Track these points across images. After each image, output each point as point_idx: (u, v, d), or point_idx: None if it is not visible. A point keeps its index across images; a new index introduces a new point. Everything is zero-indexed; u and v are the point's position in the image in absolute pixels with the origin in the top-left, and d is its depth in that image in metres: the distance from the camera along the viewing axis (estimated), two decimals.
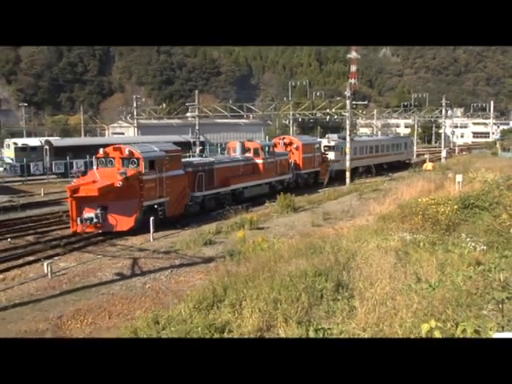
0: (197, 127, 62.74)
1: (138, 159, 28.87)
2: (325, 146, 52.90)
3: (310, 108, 72.15)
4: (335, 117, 68.53)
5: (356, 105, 77.31)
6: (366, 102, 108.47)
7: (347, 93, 51.80)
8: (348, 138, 50.65)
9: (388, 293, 11.67)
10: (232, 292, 13.37)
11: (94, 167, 30.30)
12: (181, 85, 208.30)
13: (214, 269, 18.62)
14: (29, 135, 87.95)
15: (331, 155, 52.67)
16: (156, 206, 29.43)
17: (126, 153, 29.00)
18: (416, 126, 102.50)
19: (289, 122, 76.70)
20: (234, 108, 70.46)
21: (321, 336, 10.14)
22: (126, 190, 27.41)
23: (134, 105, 77.01)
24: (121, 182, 26.82)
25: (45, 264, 20.59)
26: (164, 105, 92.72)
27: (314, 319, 11.22)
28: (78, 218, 27.09)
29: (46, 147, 54.67)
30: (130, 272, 20.65)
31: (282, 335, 10.21)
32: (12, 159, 60.47)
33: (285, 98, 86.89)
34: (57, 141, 58.76)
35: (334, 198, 38.18)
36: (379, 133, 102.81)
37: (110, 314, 15.98)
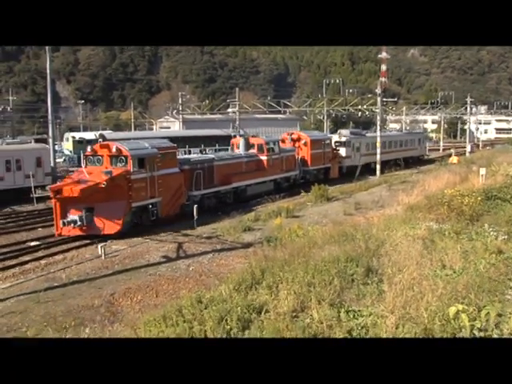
0: (237, 122, 62.95)
1: (126, 157, 25.39)
2: (336, 142, 49.20)
3: (342, 104, 71.45)
4: (366, 113, 67.83)
5: (386, 102, 76.36)
6: (395, 99, 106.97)
7: (378, 90, 51.26)
8: (379, 133, 49.98)
9: (415, 278, 11.58)
10: (269, 275, 13.38)
11: (83, 165, 26.86)
12: (222, 83, 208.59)
13: (253, 253, 18.62)
14: (85, 129, 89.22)
15: (342, 151, 49.10)
16: (151, 207, 26.43)
17: (114, 150, 25.42)
18: (442, 122, 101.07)
19: (323, 118, 76.18)
20: (272, 104, 70.48)
21: (351, 317, 10.12)
22: (113, 190, 24.15)
23: (180, 101, 77.37)
24: (105, 183, 23.58)
25: (99, 246, 20.94)
26: (207, 101, 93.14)
27: (345, 301, 11.19)
28: (61, 221, 23.96)
29: (100, 140, 55.30)
30: (175, 255, 20.85)
31: (316, 316, 10.19)
32: (70, 151, 61.75)
33: (319, 95, 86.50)
34: (109, 134, 59.43)
35: (365, 189, 37.92)
36: (394, 128, 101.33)
37: (157, 292, 16.16)
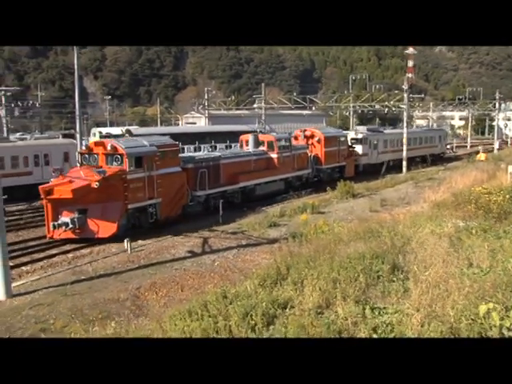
0: (263, 117, 62.94)
1: (121, 155, 23.82)
2: (352, 139, 47.06)
3: (369, 100, 71.00)
4: (393, 109, 67.23)
5: (413, 98, 75.65)
6: (422, 96, 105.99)
7: (405, 86, 50.62)
8: (405, 129, 49.41)
9: (441, 276, 11.47)
10: (294, 271, 13.39)
11: (78, 164, 25.56)
12: (248, 78, 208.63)
13: (278, 249, 18.62)
14: (112, 125, 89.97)
15: (359, 149, 46.82)
16: (150, 209, 25.01)
17: (109, 148, 23.88)
18: (470, 119, 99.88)
19: (349, 114, 75.79)
20: (298, 100, 70.21)
21: (376, 314, 10.09)
22: (108, 191, 22.71)
23: (206, 97, 77.58)
24: (98, 183, 22.07)
25: (125, 241, 21.10)
26: (233, 97, 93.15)
27: (371, 298, 11.15)
28: (51, 223, 22.54)
29: (127, 135, 55.71)
30: (201, 250, 20.96)
31: (341, 313, 10.17)
32: None
33: (345, 91, 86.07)
34: (136, 130, 59.74)
35: (391, 186, 37.67)
36: (420, 124, 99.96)
37: (182, 287, 16.28)
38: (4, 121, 53.03)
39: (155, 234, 23.84)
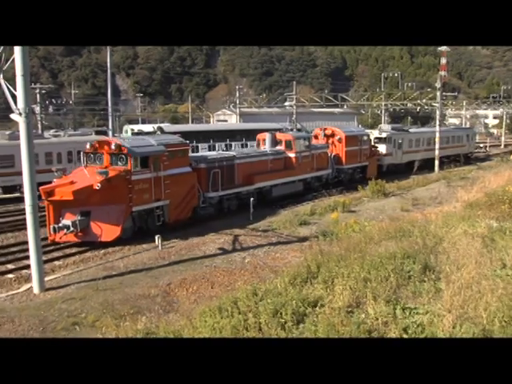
0: (294, 115, 62.86)
1: (126, 155, 22.70)
2: (375, 138, 45.27)
3: (401, 99, 70.37)
4: (425, 107, 66.50)
5: (446, 96, 74.73)
6: (455, 94, 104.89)
7: (437, 84, 49.92)
8: (438, 128, 48.75)
9: (474, 277, 11.36)
10: (325, 269, 13.36)
11: (83, 164, 23.97)
12: (279, 76, 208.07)
13: (309, 247, 18.62)
14: (143, 122, 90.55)
15: (382, 148, 45.06)
16: (157, 211, 23.96)
17: (113, 148, 22.69)
18: (505, 117, 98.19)
19: (381, 112, 75.22)
20: (329, 98, 69.99)
21: (407, 314, 10.02)
22: (111, 192, 21.69)
23: (237, 95, 77.82)
24: (99, 184, 21.12)
25: (156, 237, 21.24)
26: (264, 95, 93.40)
27: (402, 298, 11.08)
28: (51, 226, 21.45)
29: (158, 132, 56.01)
30: (231, 247, 21.02)
31: (371, 312, 10.13)
32: None
33: (377, 89, 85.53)
34: (167, 127, 59.97)
35: (423, 185, 37.29)
36: (453, 123, 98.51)
37: (212, 284, 16.35)
38: (38, 118, 53.81)
39: (185, 232, 23.95)
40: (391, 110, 76.70)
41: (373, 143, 44.34)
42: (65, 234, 21.44)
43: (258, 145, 34.98)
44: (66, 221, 21.40)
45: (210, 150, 45.00)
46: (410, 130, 52.22)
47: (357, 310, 10.64)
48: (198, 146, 47.91)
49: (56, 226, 21.30)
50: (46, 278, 17.14)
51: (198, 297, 15.23)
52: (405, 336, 9.05)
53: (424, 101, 64.22)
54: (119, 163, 22.75)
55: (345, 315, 10.06)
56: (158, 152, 23.75)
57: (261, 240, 21.85)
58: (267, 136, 33.91)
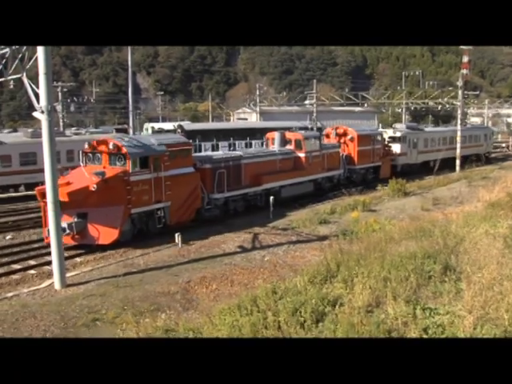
0: (314, 114, 62.73)
1: (124, 155, 21.93)
2: (389, 137, 43.88)
3: (422, 97, 69.83)
4: (447, 106, 65.90)
5: (467, 95, 74.05)
6: (477, 92, 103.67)
7: (459, 83, 49.44)
8: (459, 127, 48.22)
9: (495, 278, 11.27)
10: (344, 269, 13.34)
11: (81, 164, 23.09)
12: (300, 75, 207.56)
13: (328, 246, 18.58)
14: (164, 120, 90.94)
15: (396, 147, 43.69)
16: (159, 213, 23.14)
17: (111, 147, 21.97)
18: None
19: (401, 111, 74.78)
20: (350, 96, 69.75)
21: (427, 315, 9.97)
22: (108, 193, 20.88)
23: (257, 93, 77.89)
24: (95, 185, 20.38)
25: (176, 235, 21.31)
26: (284, 93, 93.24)
27: (422, 299, 11.04)
28: (46, 228, 19.96)
29: (179, 131, 56.28)
30: (251, 245, 21.04)
31: (391, 312, 10.09)
32: None
33: (398, 88, 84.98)
34: (188, 125, 60.30)
35: (444, 185, 36.96)
36: (475, 122, 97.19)
37: (231, 282, 16.38)
38: (60, 116, 54.33)
39: (205, 230, 24.03)
40: (412, 108, 76.22)
41: (387, 142, 43.39)
42: (62, 235, 19.96)
43: (267, 144, 34.22)
44: (62, 223, 19.84)
45: (230, 149, 44.97)
46: (425, 129, 51.01)
47: (376, 309, 10.62)
48: (218, 144, 48.03)
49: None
50: (67, 275, 17.31)
51: (217, 295, 15.27)
52: (425, 336, 9.01)
53: (445, 99, 63.60)
54: (118, 163, 22.07)
55: (364, 315, 10.05)
56: (158, 152, 22.98)
57: (280, 238, 21.85)
58: (276, 135, 32.96)
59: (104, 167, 21.96)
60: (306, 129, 45.01)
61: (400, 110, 78.90)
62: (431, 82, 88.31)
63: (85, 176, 21.10)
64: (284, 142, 32.74)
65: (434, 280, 12.23)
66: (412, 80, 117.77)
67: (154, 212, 22.96)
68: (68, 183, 20.82)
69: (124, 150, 21.89)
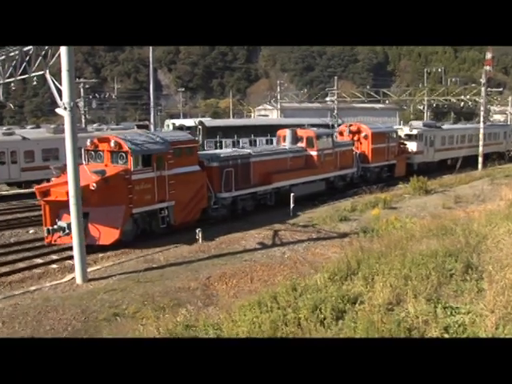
0: (335, 111, 62.54)
1: (126, 153, 21.34)
2: (405, 135, 42.79)
3: (444, 94, 69.37)
4: (469, 103, 65.30)
5: (490, 92, 73.27)
6: (500, 89, 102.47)
7: (482, 80, 48.93)
8: (482, 124, 47.65)
9: None
10: (365, 266, 13.30)
11: (84, 162, 22.33)
12: (321, 71, 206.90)
13: (349, 244, 18.53)
14: (185, 116, 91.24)
15: (412, 145, 42.52)
16: (164, 212, 22.55)
17: (112, 145, 21.39)
18: None
19: (423, 108, 74.26)
20: (371, 93, 69.48)
21: (448, 314, 9.90)
22: (109, 193, 20.26)
23: (278, 90, 77.99)
24: (95, 184, 19.79)
25: (196, 231, 21.37)
26: (305, 90, 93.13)
27: (443, 297, 10.95)
28: (45, 228, 20.13)
29: (200, 127, 56.45)
30: (271, 242, 21.04)
31: (411, 310, 10.04)
32: None
33: (420, 85, 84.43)
34: (209, 121, 60.41)
35: (466, 183, 36.62)
36: (497, 119, 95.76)
37: (251, 278, 16.39)
38: (82, 112, 54.73)
39: (225, 226, 24.07)
40: (434, 105, 75.65)
41: (403, 140, 42.31)
42: (59, 236, 20.08)
43: (278, 141, 33.28)
44: (62, 222, 19.82)
45: (250, 145, 44.95)
46: (442, 127, 49.78)
47: (397, 307, 10.57)
48: (239, 141, 48.07)
49: (50, 228, 19.93)
50: (89, 269, 17.48)
51: (237, 291, 15.29)
52: (446, 335, 8.95)
53: (468, 96, 63.14)
54: (119, 161, 21.44)
55: (385, 313, 10.00)
56: (161, 150, 22.37)
57: (301, 235, 21.82)
58: (287, 132, 32.15)
59: (106, 165, 21.46)
60: (326, 126, 44.33)
61: (422, 108, 78.31)
62: (453, 79, 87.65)
63: (86, 174, 20.18)
64: (295, 139, 31.99)
65: (455, 278, 12.14)
66: (434, 77, 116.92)
67: (157, 212, 22.40)
68: (67, 182, 20.06)
69: (125, 147, 21.32)
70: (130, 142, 21.61)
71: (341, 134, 38.12)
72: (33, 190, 21.91)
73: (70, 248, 18.50)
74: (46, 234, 20.18)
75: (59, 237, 20.08)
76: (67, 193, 18.80)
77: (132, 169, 21.14)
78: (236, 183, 25.99)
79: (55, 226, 19.86)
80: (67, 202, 18.93)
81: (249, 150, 28.80)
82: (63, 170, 21.12)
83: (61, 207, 20.04)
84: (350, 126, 38.67)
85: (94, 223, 20.25)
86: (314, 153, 31.60)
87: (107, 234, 20.19)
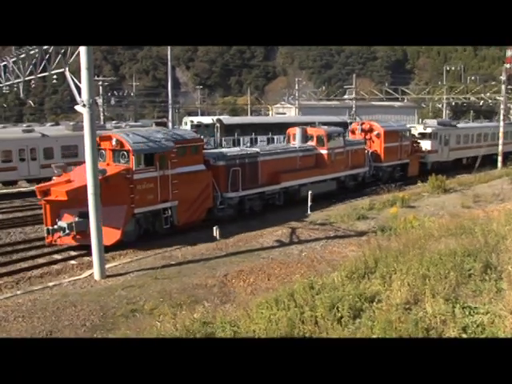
0: (353, 109, 62.33)
1: (127, 152, 20.93)
2: (419, 134, 42.00)
3: (463, 92, 68.80)
4: (489, 101, 64.71)
5: (511, 89, 72.51)
6: None
7: (502, 77, 48.47)
8: (501, 123, 47.14)
9: None
10: (383, 265, 13.23)
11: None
12: (339, 69, 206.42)
13: (366, 242, 18.44)
14: (202, 114, 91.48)
15: (426, 144, 41.64)
16: (167, 212, 22.14)
17: (114, 143, 21.02)
18: None
19: (442, 106, 73.76)
20: (389, 91, 69.11)
21: (467, 314, 9.83)
22: (110, 192, 19.35)
23: (296, 87, 77.82)
24: None
25: (214, 228, 21.42)
26: (323, 87, 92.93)
27: (461, 297, 10.87)
28: (46, 228, 19.97)
29: (217, 125, 56.61)
30: (288, 240, 21.03)
31: (429, 310, 9.98)
32: None
33: (439, 82, 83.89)
34: (226, 119, 60.54)
35: (485, 182, 36.29)
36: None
37: (269, 276, 16.37)
38: (101, 109, 55.11)
39: (242, 223, 24.11)
40: (453, 103, 75.09)
41: (417, 139, 41.56)
42: (59, 237, 19.98)
43: (288, 140, 32.71)
44: (62, 222, 19.81)
45: (268, 143, 44.94)
46: (458, 125, 48.77)
47: (414, 307, 10.51)
48: (256, 138, 48.10)
49: (50, 228, 19.81)
50: (107, 266, 17.60)
51: (254, 288, 15.29)
52: (464, 336, 8.89)
53: (488, 94, 62.53)
54: (121, 160, 21.05)
55: (402, 312, 9.94)
56: (164, 148, 21.85)
57: (318, 233, 21.78)
58: (297, 131, 31.57)
59: (108, 164, 21.13)
60: (344, 124, 43.98)
61: (440, 106, 77.83)
62: (473, 77, 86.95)
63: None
64: (305, 137, 31.43)
65: (473, 278, 12.03)
66: (453, 75, 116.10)
67: (160, 212, 22.03)
68: (68, 181, 20.23)
69: (127, 146, 20.90)
70: (132, 141, 21.18)
71: (353, 132, 37.57)
72: None
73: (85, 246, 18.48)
74: (45, 234, 20.03)
75: (59, 237, 19.93)
76: (67, 192, 19.29)
77: (134, 168, 20.75)
78: (243, 183, 25.53)
79: (55, 226, 19.80)
80: (67, 201, 19.41)
81: (257, 149, 28.30)
82: (64, 168, 21.38)
83: (62, 207, 19.96)
84: (362, 124, 38.07)
85: None
86: (324, 152, 31.01)
87: (108, 235, 19.32)
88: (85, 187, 18.53)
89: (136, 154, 20.81)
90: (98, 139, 20.11)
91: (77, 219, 19.84)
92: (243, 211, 26.10)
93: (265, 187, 27.09)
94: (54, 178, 21.25)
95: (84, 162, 21.06)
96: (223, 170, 24.62)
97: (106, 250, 18.78)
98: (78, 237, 20.03)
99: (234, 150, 27.82)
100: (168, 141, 22.26)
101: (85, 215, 19.26)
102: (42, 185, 20.81)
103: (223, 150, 29.32)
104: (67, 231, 19.63)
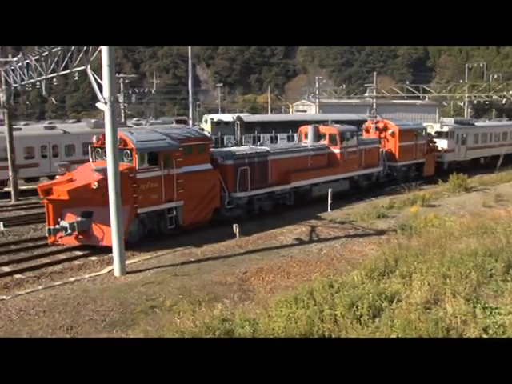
0: (374, 107, 62.01)
1: (131, 151, 20.36)
2: (435, 132, 40.68)
3: (485, 90, 68.05)
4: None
5: None
6: None
7: None
8: None
9: None
10: (403, 264, 13.18)
11: (90, 159, 21.56)
12: (359, 67, 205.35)
13: (386, 241, 18.37)
14: (223, 111, 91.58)
15: (443, 143, 40.26)
16: (172, 212, 21.58)
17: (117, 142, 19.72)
18: None
19: (464, 104, 73.03)
20: (410, 89, 68.66)
21: (488, 314, 9.74)
22: None
23: (316, 85, 77.55)
24: (97, 183, 18.94)
25: (234, 226, 21.42)
26: (343, 85, 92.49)
27: (482, 297, 10.78)
28: (47, 228, 19.68)
29: (238, 122, 56.54)
30: (308, 238, 21.00)
31: (449, 310, 9.91)
32: (209, 132, 63.83)
33: (460, 80, 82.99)
34: (247, 117, 60.41)
35: (507, 181, 35.90)
36: None
37: (288, 274, 16.38)
38: (122, 107, 55.39)
39: (262, 221, 24.09)
40: (475, 102, 74.30)
41: (433, 138, 40.39)
42: (61, 237, 19.62)
43: (300, 138, 32.00)
44: (64, 222, 19.38)
45: (288, 141, 44.79)
46: (475, 124, 47.52)
47: (434, 306, 10.45)
48: (276, 136, 48.00)
49: (52, 228, 19.47)
50: (127, 262, 17.69)
51: (273, 286, 15.30)
52: (485, 336, 8.81)
53: (510, 92, 61.78)
54: (125, 159, 20.33)
55: (422, 311, 9.89)
56: (169, 147, 21.27)
57: (338, 232, 21.72)
58: (309, 129, 30.74)
59: None
60: (364, 122, 43.46)
61: (462, 104, 77.03)
62: (496, 75, 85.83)
63: (90, 172, 19.68)
64: (318, 136, 30.66)
65: (495, 278, 11.94)
66: (475, 72, 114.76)
67: (164, 212, 21.49)
68: (70, 180, 19.88)
69: (130, 144, 20.34)
70: (135, 139, 20.67)
71: (367, 131, 36.91)
72: None
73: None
74: (47, 234, 19.76)
75: (61, 237, 19.65)
76: (68, 191, 19.03)
77: (137, 167, 20.24)
78: (252, 182, 24.82)
79: (57, 226, 19.47)
80: (69, 200, 19.18)
81: (267, 148, 27.59)
82: (68, 167, 21.00)
83: (64, 206, 19.65)
84: (377, 122, 37.39)
85: (98, 223, 19.48)
86: (336, 151, 30.26)
87: (111, 235, 18.50)
88: (86, 187, 18.84)
89: (139, 152, 20.32)
90: (101, 137, 20.31)
91: (79, 219, 19.55)
92: (252, 211, 25.52)
93: (274, 187, 26.49)
94: (57, 176, 21.05)
95: (88, 161, 21.55)
96: (231, 169, 24.07)
97: (110, 249, 18.45)
98: (80, 237, 19.77)
99: (244, 149, 27.01)
100: (173, 139, 21.76)
101: (87, 215, 19.43)
102: (44, 184, 20.51)
103: (232, 148, 28.70)
104: (69, 231, 19.28)
